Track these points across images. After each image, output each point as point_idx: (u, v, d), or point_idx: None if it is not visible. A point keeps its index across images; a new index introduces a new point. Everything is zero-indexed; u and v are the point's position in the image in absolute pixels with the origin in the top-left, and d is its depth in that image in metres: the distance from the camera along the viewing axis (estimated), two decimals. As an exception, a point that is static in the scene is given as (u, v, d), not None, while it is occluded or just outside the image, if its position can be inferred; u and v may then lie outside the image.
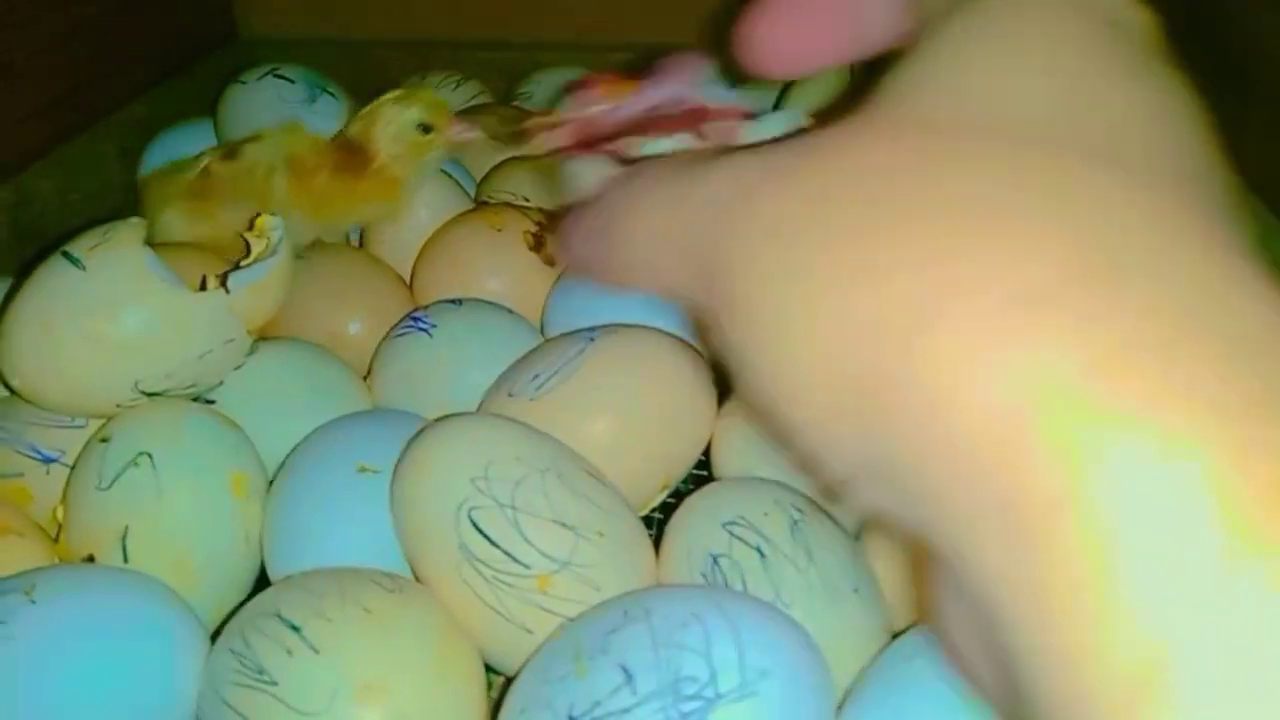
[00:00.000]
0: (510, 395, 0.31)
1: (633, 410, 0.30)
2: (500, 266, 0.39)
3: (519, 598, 0.25)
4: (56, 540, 0.29)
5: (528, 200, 0.44)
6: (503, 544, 0.25)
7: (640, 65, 0.27)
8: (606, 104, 0.26)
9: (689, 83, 0.27)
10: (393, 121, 0.39)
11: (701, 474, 0.33)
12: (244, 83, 0.47)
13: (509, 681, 0.25)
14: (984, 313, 0.11)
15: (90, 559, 0.27)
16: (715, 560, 0.26)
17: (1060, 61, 0.14)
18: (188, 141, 0.49)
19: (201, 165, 0.38)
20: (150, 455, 0.27)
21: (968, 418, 0.11)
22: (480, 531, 0.25)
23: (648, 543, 0.27)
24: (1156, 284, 0.11)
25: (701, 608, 0.22)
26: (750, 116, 0.24)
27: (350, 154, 0.39)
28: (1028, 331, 0.11)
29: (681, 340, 0.32)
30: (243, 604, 0.28)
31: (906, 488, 0.12)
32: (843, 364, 0.12)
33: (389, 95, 0.40)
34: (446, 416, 0.28)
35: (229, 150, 0.39)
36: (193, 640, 0.25)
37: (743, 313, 0.13)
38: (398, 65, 0.60)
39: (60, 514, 0.29)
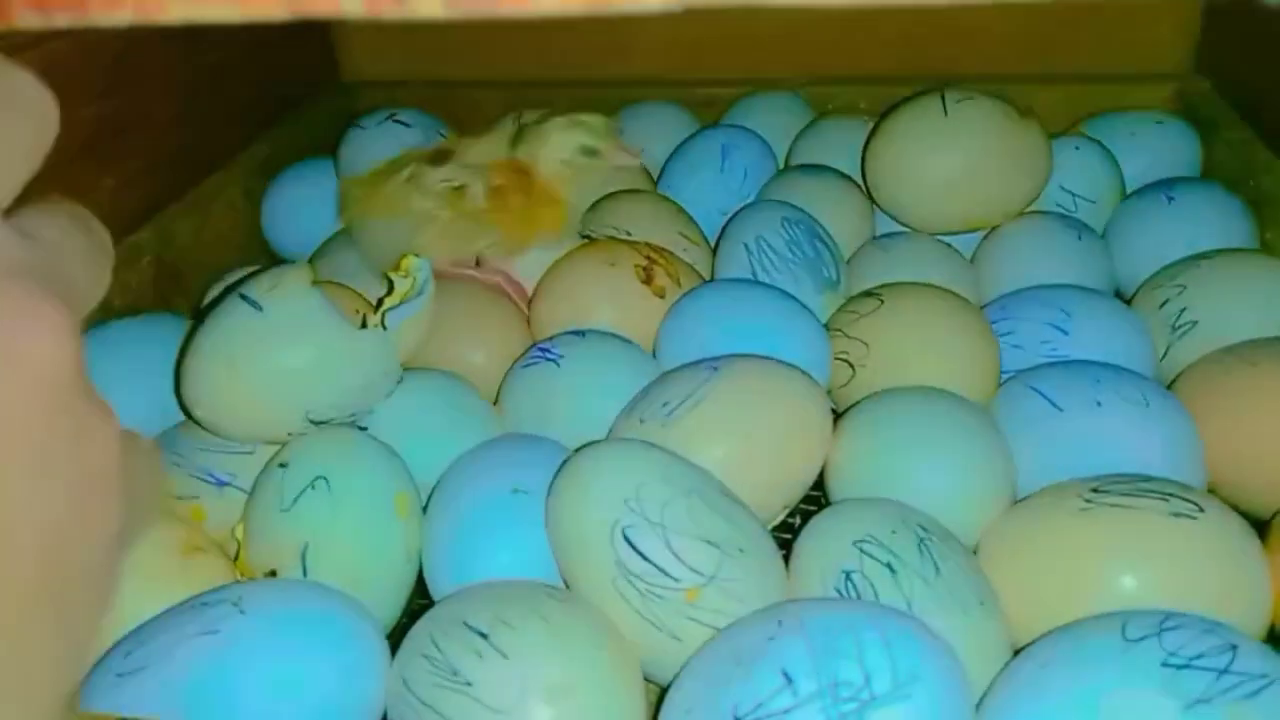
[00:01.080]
0: (642, 421, 0.33)
1: (757, 435, 0.33)
2: (613, 299, 0.42)
3: (669, 609, 0.27)
4: (235, 558, 0.32)
5: (630, 234, 0.47)
6: (654, 559, 0.27)
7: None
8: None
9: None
10: (559, 145, 0.41)
11: (814, 494, 0.35)
12: (363, 127, 0.50)
13: (661, 689, 0.27)
14: None
15: (273, 573, 0.30)
16: (848, 575, 0.28)
17: None
18: (306, 181, 0.52)
19: (406, 173, 0.41)
20: (326, 479, 0.30)
21: None
22: (634, 548, 0.27)
23: (780, 558, 0.30)
24: None
25: (853, 618, 0.24)
26: None
27: (519, 175, 0.41)
28: None
29: (799, 370, 0.34)
30: (406, 615, 0.31)
31: None
32: None
33: (557, 119, 0.43)
34: (596, 442, 0.30)
35: (434, 156, 0.42)
36: (376, 645, 0.27)
37: None
38: (492, 104, 0.63)
39: (239, 532, 0.31)
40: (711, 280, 0.45)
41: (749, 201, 0.49)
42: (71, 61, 0.42)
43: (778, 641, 0.24)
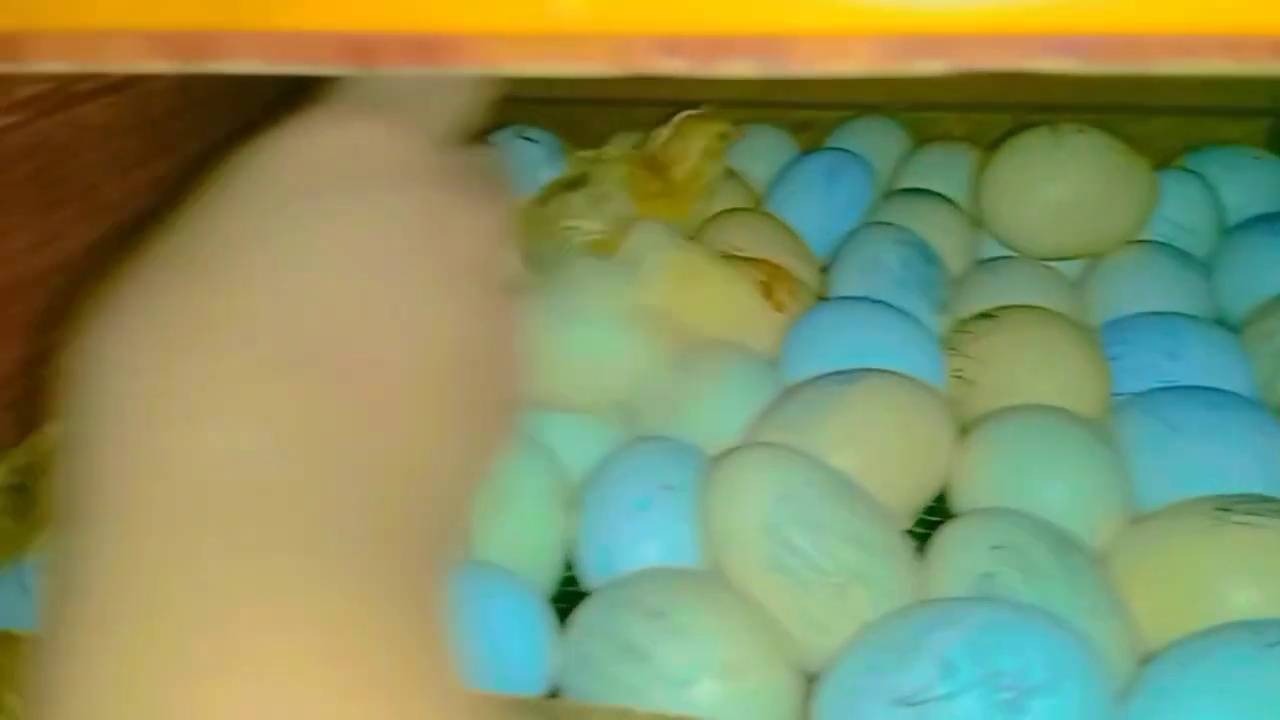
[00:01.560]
0: (779, 428, 0.35)
1: (889, 447, 0.35)
2: (735, 313, 0.44)
3: (819, 602, 0.29)
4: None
5: (741, 250, 0.49)
6: (807, 554, 0.29)
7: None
8: None
9: None
10: (700, 135, 0.44)
11: (932, 505, 0.37)
12: (491, 144, 0.53)
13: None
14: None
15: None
16: (986, 579, 0.30)
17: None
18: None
19: (553, 195, 0.44)
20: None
21: None
22: (787, 543, 0.29)
23: (916, 559, 0.32)
24: None
25: (1006, 615, 0.26)
26: None
27: (654, 172, 0.44)
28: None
29: (927, 385, 0.36)
30: (563, 599, 0.33)
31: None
32: None
33: (682, 115, 0.46)
34: (747, 445, 0.33)
35: (570, 184, 0.45)
36: (545, 617, 0.29)
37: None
38: (595, 122, 0.65)
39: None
40: (824, 299, 0.47)
41: (859, 223, 0.51)
42: (226, 78, 0.45)
43: (936, 634, 0.26)
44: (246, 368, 0.16)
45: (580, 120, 0.65)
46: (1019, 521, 0.31)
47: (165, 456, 0.15)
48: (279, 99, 0.49)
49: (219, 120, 0.45)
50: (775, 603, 0.29)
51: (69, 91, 0.36)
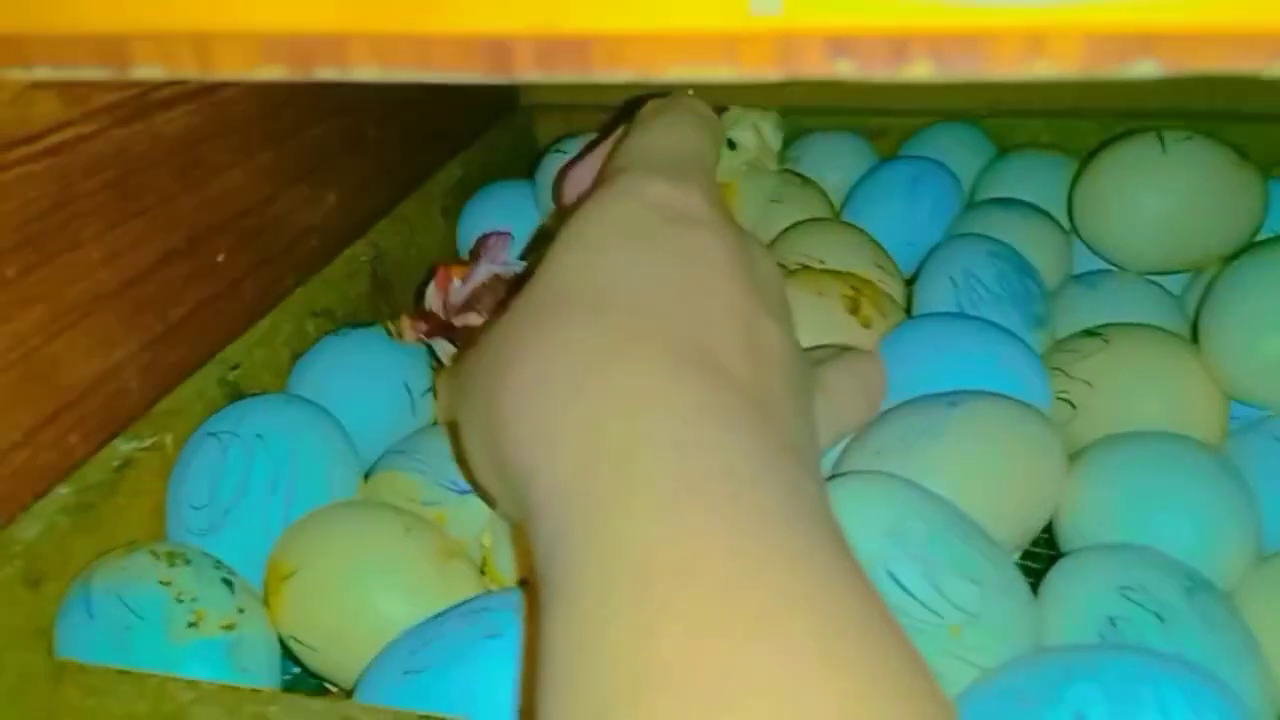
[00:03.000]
0: (878, 452, 0.33)
1: (998, 474, 0.32)
2: (821, 328, 0.42)
3: (933, 645, 0.27)
4: (482, 567, 0.33)
5: (824, 262, 0.47)
6: (919, 594, 0.27)
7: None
8: (457, 284, 0.35)
9: (500, 259, 0.37)
10: (754, 124, 0.43)
11: (1041, 538, 0.35)
12: (564, 152, 0.51)
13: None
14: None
15: (523, 583, 0.31)
16: (1112, 622, 0.28)
17: (587, 258, 0.24)
18: (499, 202, 0.54)
19: None
20: None
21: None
22: (897, 582, 0.27)
23: (1034, 599, 0.29)
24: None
25: (1147, 665, 0.24)
26: None
27: None
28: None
29: (1037, 410, 0.34)
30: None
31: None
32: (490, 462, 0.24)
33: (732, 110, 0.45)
34: (850, 474, 0.31)
35: None
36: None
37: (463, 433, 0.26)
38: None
39: (486, 540, 0.32)
40: (910, 313, 0.45)
41: (945, 235, 0.49)
42: (304, 84, 0.45)
43: (1071, 686, 0.24)
44: (669, 369, 0.20)
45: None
46: (1147, 559, 0.29)
47: (631, 445, 0.18)
48: (360, 108, 0.48)
49: (292, 128, 0.44)
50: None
51: (147, 100, 0.35)
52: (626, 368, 0.20)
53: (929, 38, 0.13)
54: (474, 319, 0.36)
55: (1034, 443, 0.33)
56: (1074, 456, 0.35)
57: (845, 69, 0.13)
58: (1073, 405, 0.37)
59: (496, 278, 0.38)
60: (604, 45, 0.13)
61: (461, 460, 0.29)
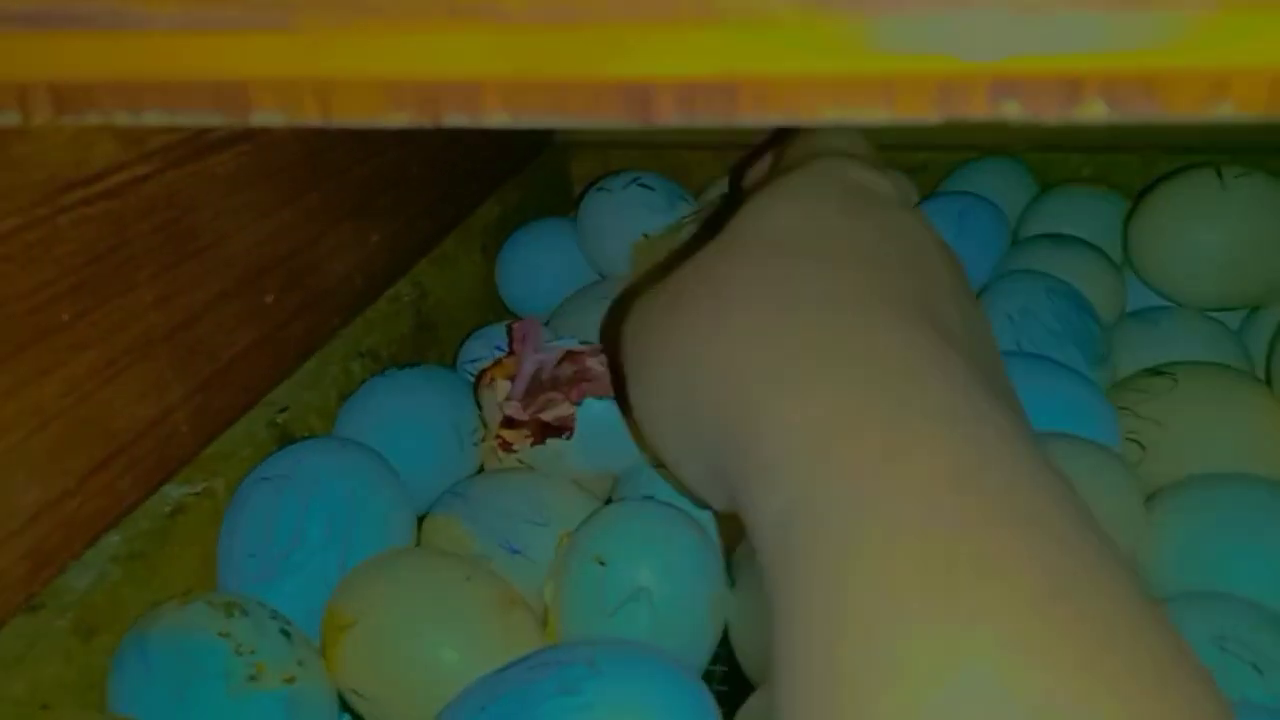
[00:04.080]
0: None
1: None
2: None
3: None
4: (543, 621, 0.32)
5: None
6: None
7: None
8: (505, 384, 0.34)
9: (540, 344, 0.35)
10: None
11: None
12: (608, 190, 0.51)
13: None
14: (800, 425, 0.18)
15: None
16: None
17: (810, 207, 0.23)
18: (539, 240, 0.53)
19: (684, 231, 0.43)
20: (649, 591, 0.30)
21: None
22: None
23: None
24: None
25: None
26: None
27: None
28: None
29: (1111, 451, 0.33)
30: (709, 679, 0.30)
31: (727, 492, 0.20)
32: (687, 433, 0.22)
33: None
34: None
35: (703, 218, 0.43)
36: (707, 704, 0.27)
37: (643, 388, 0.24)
38: (700, 166, 0.63)
39: (549, 596, 0.32)
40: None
41: (994, 271, 0.49)
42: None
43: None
44: (923, 332, 0.19)
45: (680, 164, 0.63)
46: (1240, 609, 0.28)
47: (901, 409, 0.17)
48: (404, 149, 0.47)
49: (337, 168, 0.44)
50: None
51: (200, 141, 0.35)
52: (880, 323, 0.18)
53: (1097, 78, 0.12)
54: (565, 407, 0.35)
55: (1111, 485, 0.32)
56: (1148, 499, 0.34)
57: (1011, 110, 0.12)
58: (1142, 446, 0.37)
59: (563, 358, 0.37)
60: (751, 90, 0.12)
61: (634, 420, 0.26)
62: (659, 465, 0.31)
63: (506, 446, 0.36)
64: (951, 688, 0.13)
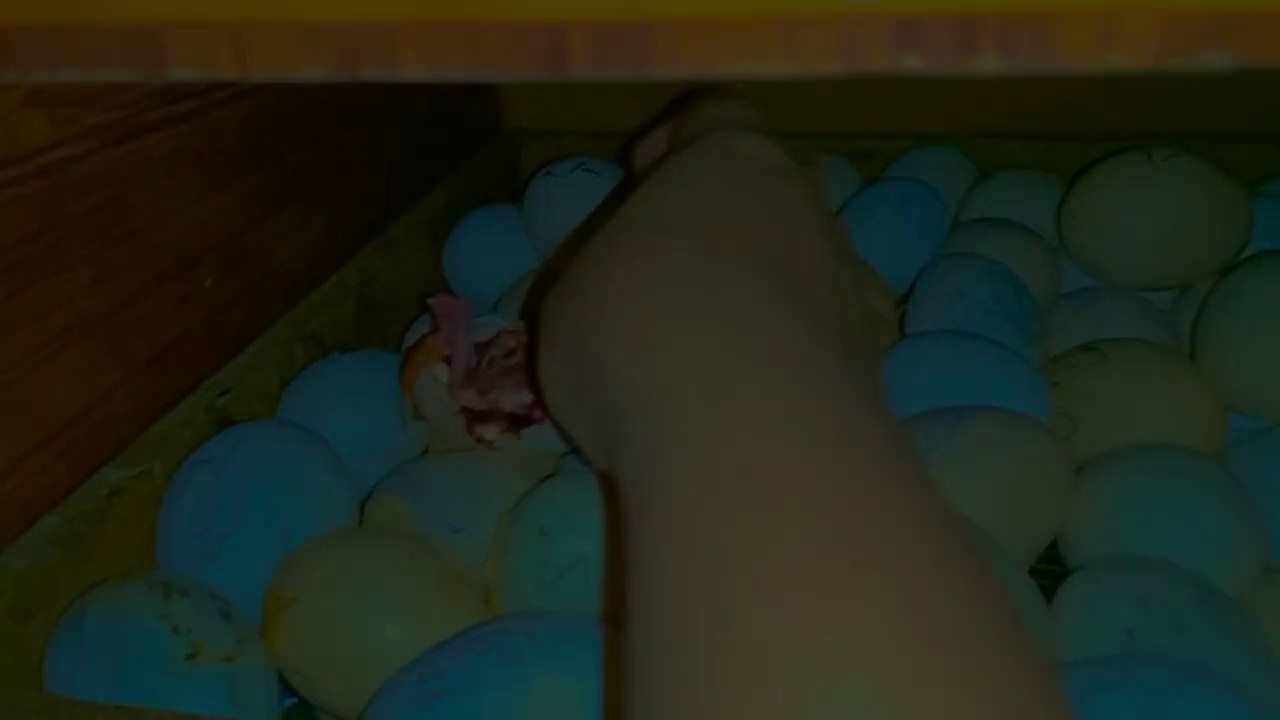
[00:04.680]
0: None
1: (1005, 489, 0.32)
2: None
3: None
4: (486, 599, 0.32)
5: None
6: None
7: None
8: (446, 370, 0.34)
9: (467, 324, 0.35)
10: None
11: (1047, 552, 0.35)
12: (553, 175, 0.51)
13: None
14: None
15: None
16: (1130, 633, 0.27)
17: (692, 183, 0.25)
18: (486, 227, 0.53)
19: None
20: (588, 558, 0.30)
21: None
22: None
23: (1049, 611, 0.29)
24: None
25: (1178, 678, 0.23)
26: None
27: None
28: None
29: (1042, 425, 0.34)
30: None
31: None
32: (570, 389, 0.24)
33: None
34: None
35: None
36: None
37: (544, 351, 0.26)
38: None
39: (491, 571, 0.32)
40: (903, 332, 0.45)
41: (933, 255, 0.49)
42: (293, 107, 0.44)
43: (1104, 697, 0.23)
44: (777, 295, 0.21)
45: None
46: (1162, 570, 0.29)
47: (742, 357, 0.19)
48: (348, 134, 0.47)
49: (279, 152, 0.43)
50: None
51: (136, 121, 0.34)
52: (731, 288, 0.20)
53: (997, 23, 0.12)
54: (525, 394, 0.34)
55: (1040, 457, 0.33)
56: (1077, 470, 0.35)
57: (912, 62, 0.12)
58: (1072, 419, 0.37)
59: (495, 339, 0.37)
60: (665, 34, 0.12)
61: (539, 388, 0.28)
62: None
63: (488, 444, 0.35)
64: (812, 607, 0.15)
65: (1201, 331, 0.39)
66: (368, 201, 0.50)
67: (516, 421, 0.34)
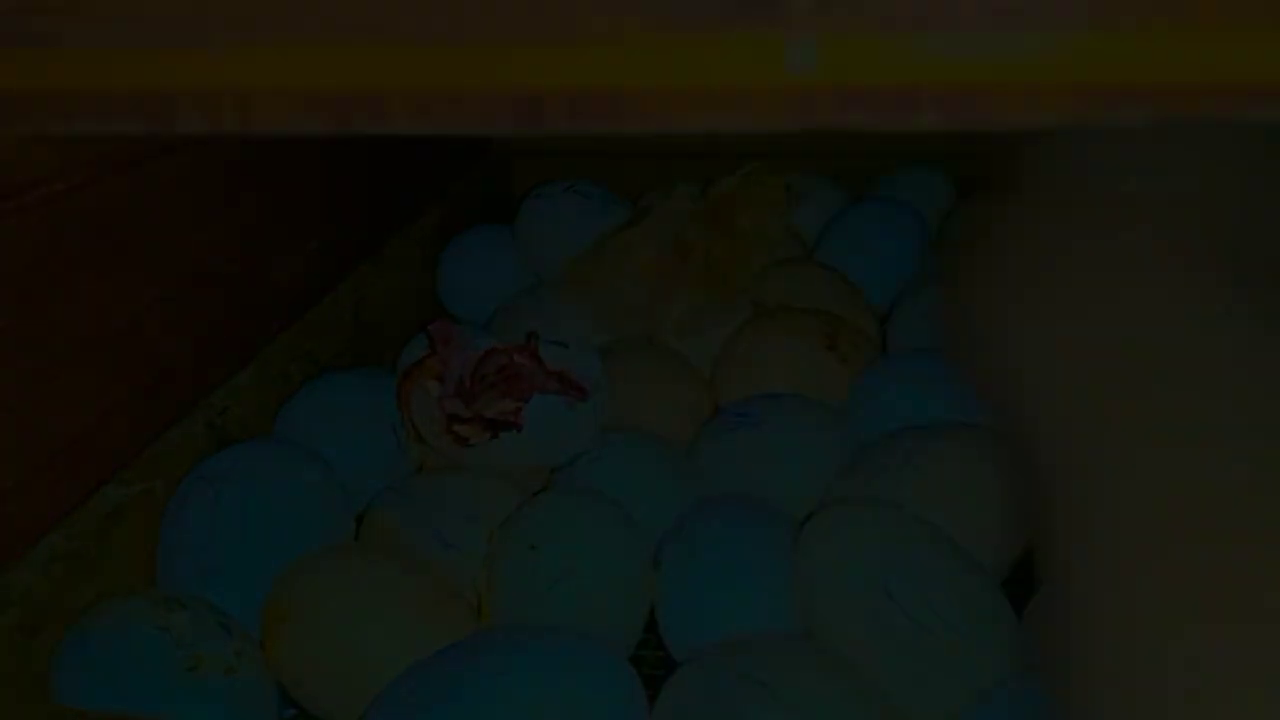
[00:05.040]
0: (868, 482, 0.34)
1: (982, 502, 0.33)
2: (798, 365, 0.43)
3: (929, 665, 0.28)
4: (479, 609, 0.33)
5: (799, 301, 0.48)
6: (915, 614, 0.28)
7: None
8: (439, 386, 0.35)
9: (462, 344, 0.37)
10: (764, 186, 0.44)
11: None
12: (544, 196, 0.52)
13: None
14: None
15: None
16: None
17: None
18: (477, 247, 0.54)
19: (614, 248, 0.44)
20: (576, 570, 0.31)
21: None
22: (894, 604, 0.28)
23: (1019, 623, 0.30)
24: None
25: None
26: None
27: (717, 221, 0.44)
28: None
29: (999, 436, 0.35)
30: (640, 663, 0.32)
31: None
32: None
33: (749, 166, 0.46)
34: (844, 500, 0.32)
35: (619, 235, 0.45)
36: (639, 687, 0.28)
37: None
38: (636, 174, 0.65)
39: (482, 585, 0.33)
40: (886, 349, 0.46)
41: (914, 273, 0.51)
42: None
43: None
44: None
45: (617, 172, 0.64)
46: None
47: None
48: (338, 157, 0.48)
49: (275, 176, 0.45)
50: (880, 667, 0.28)
51: (135, 151, 0.35)
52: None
53: (933, 90, 0.14)
54: (507, 403, 0.36)
55: (1013, 474, 0.34)
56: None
57: (857, 120, 0.14)
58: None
59: (487, 356, 0.38)
60: (633, 99, 0.13)
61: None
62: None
63: (463, 441, 0.37)
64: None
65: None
66: (362, 222, 0.51)
67: (496, 426, 0.36)
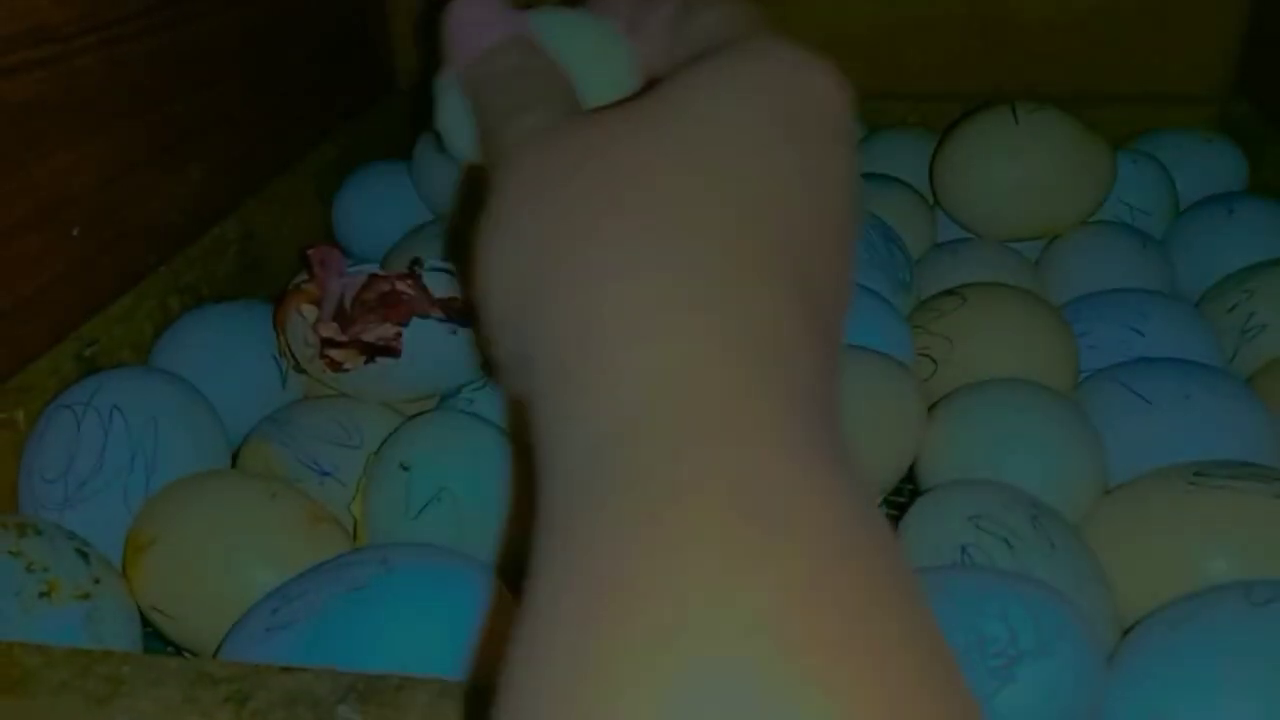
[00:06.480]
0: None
1: (859, 421, 0.33)
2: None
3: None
4: (354, 533, 0.32)
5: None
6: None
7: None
8: (310, 309, 0.34)
9: (340, 269, 0.36)
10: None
11: (900, 484, 0.36)
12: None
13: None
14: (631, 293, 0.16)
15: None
16: (965, 550, 0.29)
17: (740, 146, 0.18)
18: (376, 184, 0.53)
19: None
20: (451, 492, 0.31)
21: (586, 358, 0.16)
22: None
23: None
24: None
25: (990, 582, 0.25)
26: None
27: None
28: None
29: (895, 360, 0.35)
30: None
31: (530, 375, 0.17)
32: (510, 284, 0.18)
33: None
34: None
35: None
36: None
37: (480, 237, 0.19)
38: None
39: (356, 510, 0.32)
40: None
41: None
42: (166, 58, 0.43)
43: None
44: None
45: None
46: (995, 491, 0.30)
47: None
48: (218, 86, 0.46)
49: (148, 103, 0.43)
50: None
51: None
52: (750, 289, 0.16)
53: None
54: (386, 328, 0.35)
55: (895, 392, 0.34)
56: (932, 406, 0.36)
57: None
58: (934, 360, 0.39)
59: (369, 283, 0.37)
60: None
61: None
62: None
63: (336, 366, 0.35)
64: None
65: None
66: (251, 155, 0.50)
67: (373, 351, 0.35)
